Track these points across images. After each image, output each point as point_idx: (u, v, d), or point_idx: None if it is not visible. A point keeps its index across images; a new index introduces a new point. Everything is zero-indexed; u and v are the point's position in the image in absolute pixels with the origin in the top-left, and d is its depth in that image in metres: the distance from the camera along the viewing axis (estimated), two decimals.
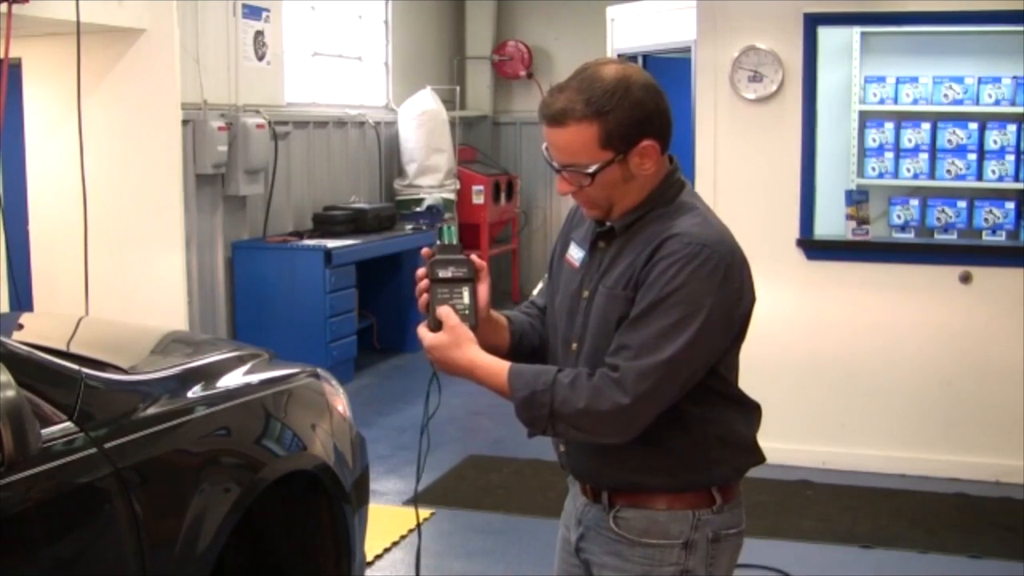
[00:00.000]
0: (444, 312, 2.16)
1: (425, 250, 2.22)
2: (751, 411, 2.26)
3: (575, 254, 2.29)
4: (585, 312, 2.21)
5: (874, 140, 5.75)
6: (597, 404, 2.05)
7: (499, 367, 2.15)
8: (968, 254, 5.48)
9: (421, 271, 2.20)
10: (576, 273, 2.26)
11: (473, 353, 2.15)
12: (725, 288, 2.08)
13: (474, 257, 2.22)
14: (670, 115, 2.16)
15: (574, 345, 2.22)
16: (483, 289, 2.21)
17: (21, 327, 3.59)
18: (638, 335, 2.07)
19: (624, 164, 2.11)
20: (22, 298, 5.77)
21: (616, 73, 2.09)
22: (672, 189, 2.19)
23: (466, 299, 2.17)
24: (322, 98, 8.61)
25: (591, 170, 2.09)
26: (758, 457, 2.27)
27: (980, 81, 5.60)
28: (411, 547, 4.66)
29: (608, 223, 2.21)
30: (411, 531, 4.78)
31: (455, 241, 2.21)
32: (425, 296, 2.18)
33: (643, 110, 2.09)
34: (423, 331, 2.17)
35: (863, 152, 5.78)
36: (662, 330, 2.05)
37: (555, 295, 2.32)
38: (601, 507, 2.26)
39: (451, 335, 2.15)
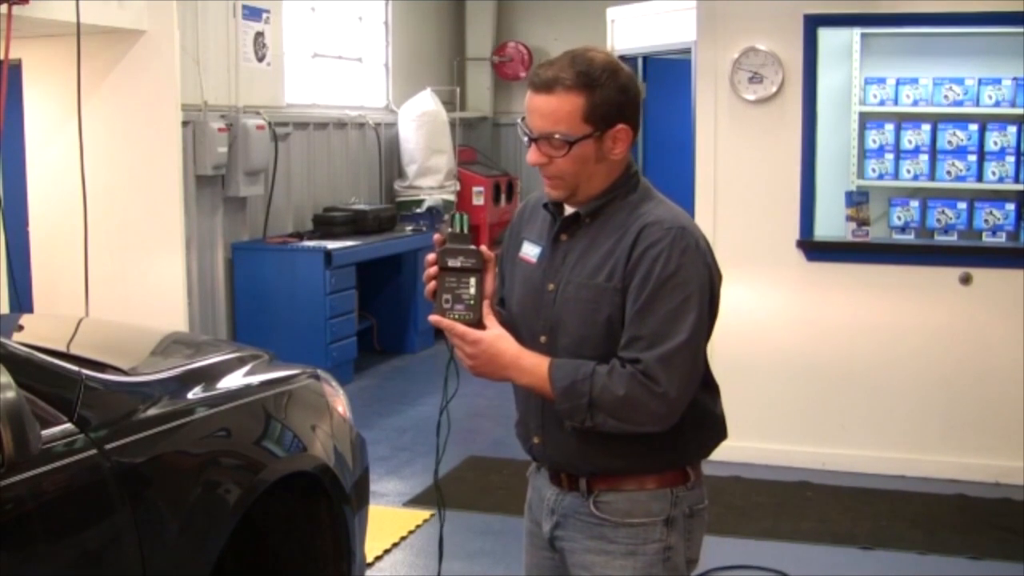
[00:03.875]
0: (487, 306, 2.19)
1: (437, 236, 2.24)
2: (715, 390, 2.34)
3: (530, 251, 2.34)
4: (554, 304, 2.25)
5: (874, 141, 5.75)
6: (635, 393, 2.10)
7: (541, 359, 2.18)
8: (968, 255, 5.48)
9: (431, 256, 2.22)
10: (535, 268, 2.31)
11: (518, 346, 2.19)
12: (707, 267, 2.20)
13: (483, 248, 2.24)
14: (642, 109, 2.26)
15: (542, 338, 2.25)
16: (489, 280, 2.23)
17: (21, 328, 3.59)
18: (647, 324, 2.13)
19: (599, 143, 2.19)
20: (22, 299, 5.77)
21: (606, 57, 2.21)
22: (633, 179, 2.28)
23: (472, 290, 2.18)
24: (322, 99, 8.61)
25: (572, 138, 2.15)
26: (725, 434, 2.35)
27: (980, 82, 5.60)
28: (411, 548, 4.66)
29: (571, 209, 2.27)
30: (411, 532, 4.78)
31: (466, 230, 2.23)
32: (433, 283, 2.20)
33: (626, 95, 2.19)
34: (461, 328, 2.17)
35: (863, 153, 5.78)
36: (668, 314, 2.12)
37: (512, 293, 2.35)
38: (578, 494, 2.29)
39: (496, 328, 2.19)
